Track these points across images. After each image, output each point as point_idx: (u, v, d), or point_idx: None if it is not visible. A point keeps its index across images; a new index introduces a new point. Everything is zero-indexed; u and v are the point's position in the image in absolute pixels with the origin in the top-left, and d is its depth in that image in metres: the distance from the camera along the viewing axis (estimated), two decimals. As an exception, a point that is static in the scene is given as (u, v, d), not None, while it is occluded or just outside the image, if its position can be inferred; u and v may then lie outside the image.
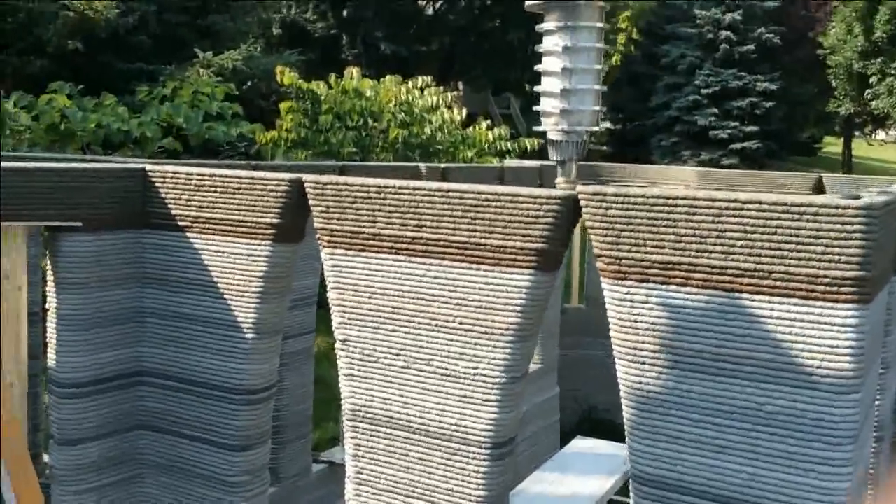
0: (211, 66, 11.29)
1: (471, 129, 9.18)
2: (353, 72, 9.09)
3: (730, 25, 27.77)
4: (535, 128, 2.36)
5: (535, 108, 2.36)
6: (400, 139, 8.29)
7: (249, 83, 12.74)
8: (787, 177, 6.18)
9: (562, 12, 2.31)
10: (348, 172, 4.17)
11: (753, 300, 1.88)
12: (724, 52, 27.39)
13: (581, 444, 5.19)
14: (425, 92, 9.13)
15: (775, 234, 1.84)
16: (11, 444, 2.10)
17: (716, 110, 26.91)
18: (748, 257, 1.87)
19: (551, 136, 2.34)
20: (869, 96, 23.12)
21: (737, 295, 1.89)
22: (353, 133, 8.61)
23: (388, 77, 9.28)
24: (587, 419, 6.49)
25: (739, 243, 1.88)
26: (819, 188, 6.04)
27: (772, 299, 1.86)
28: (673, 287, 1.95)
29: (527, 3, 2.35)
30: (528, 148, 9.16)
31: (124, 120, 7.46)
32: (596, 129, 2.33)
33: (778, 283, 1.85)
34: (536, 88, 2.37)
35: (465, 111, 9.38)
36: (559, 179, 2.36)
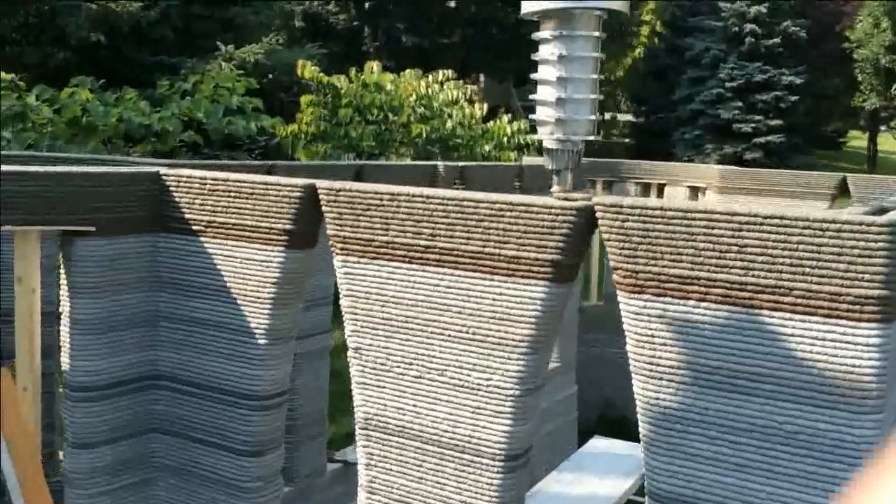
0: (232, 60, 11.32)
1: (491, 122, 9.12)
2: (374, 65, 9.06)
3: (755, 18, 27.52)
4: (531, 136, 2.31)
5: (532, 116, 2.33)
6: (424, 134, 8.26)
7: (270, 76, 12.76)
8: (811, 176, 6.08)
9: (557, 21, 2.27)
10: (365, 172, 4.15)
11: (774, 317, 1.83)
12: (749, 46, 27.16)
13: (599, 444, 5.16)
14: (445, 86, 9.09)
15: (797, 250, 1.80)
16: (25, 452, 2.10)
17: (740, 104, 26.71)
18: (769, 273, 1.83)
19: (547, 145, 2.31)
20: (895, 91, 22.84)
21: (756, 311, 1.85)
22: (372, 127, 8.59)
23: (408, 71, 9.24)
24: (605, 417, 6.46)
25: (760, 259, 1.83)
26: (843, 188, 5.95)
27: (793, 317, 1.82)
28: (691, 302, 1.91)
29: (522, 10, 2.30)
30: (548, 143, 9.05)
31: (145, 114, 7.49)
32: (592, 138, 2.29)
33: (799, 301, 1.80)
34: (532, 97, 2.33)
35: (486, 105, 9.32)
36: (555, 189, 2.33)
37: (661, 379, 1.96)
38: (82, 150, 6.81)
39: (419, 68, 9.31)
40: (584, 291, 6.41)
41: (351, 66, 9.03)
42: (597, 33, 2.35)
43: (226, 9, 12.90)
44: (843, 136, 34.00)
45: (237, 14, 13.02)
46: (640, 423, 2.03)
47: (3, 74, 7.47)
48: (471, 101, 9.21)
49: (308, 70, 8.55)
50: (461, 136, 8.85)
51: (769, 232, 1.83)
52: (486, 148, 8.82)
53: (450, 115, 8.74)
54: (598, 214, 2.04)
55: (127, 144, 7.64)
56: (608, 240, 2.02)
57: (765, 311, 1.85)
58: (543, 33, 2.36)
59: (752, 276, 1.85)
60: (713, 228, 1.88)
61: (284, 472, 3.87)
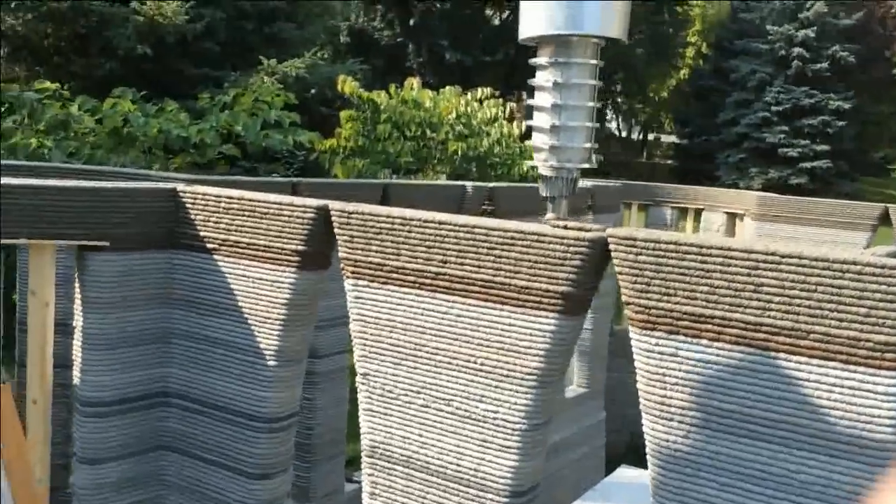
0: (275, 74, 11.42)
1: (528, 141, 9.03)
2: (413, 82, 9.07)
3: (803, 42, 27.18)
4: (528, 163, 2.28)
5: (527, 142, 2.28)
6: (460, 152, 8.24)
7: (312, 91, 12.86)
8: (851, 206, 5.92)
9: (554, 47, 2.23)
10: (392, 191, 4.12)
11: (790, 361, 1.75)
12: (796, 69, 26.80)
13: (626, 474, 5.04)
14: (485, 104, 9.06)
15: (815, 291, 1.71)
16: (21, 474, 2.09)
17: (786, 128, 26.33)
18: (785, 315, 1.75)
19: (541, 171, 2.26)
20: (947, 118, 22.35)
21: (772, 354, 1.77)
22: (410, 143, 8.59)
23: (447, 88, 9.24)
24: (633, 444, 6.34)
25: (776, 299, 1.75)
26: (885, 219, 5.79)
27: (810, 361, 1.73)
28: (704, 341, 1.83)
29: (519, 36, 2.26)
30: (588, 163, 8.97)
31: (184, 126, 7.57)
32: (587, 166, 2.24)
33: (817, 345, 1.72)
34: (527, 123, 2.29)
35: (525, 123, 9.25)
36: (549, 216, 2.28)
37: (671, 419, 1.89)
38: (122, 161, 6.90)
39: (462, 85, 9.30)
40: (616, 315, 6.31)
41: (393, 81, 9.04)
42: (594, 61, 2.30)
43: (271, 24, 13.04)
44: (892, 163, 33.31)
45: (282, 29, 13.15)
46: (649, 465, 1.95)
47: (48, 84, 7.62)
48: (510, 119, 9.18)
49: (349, 85, 8.59)
50: (499, 155, 8.81)
51: (787, 272, 1.75)
52: (525, 167, 8.77)
53: (488, 134, 8.70)
54: (611, 246, 1.97)
55: (166, 155, 7.73)
56: (620, 273, 1.95)
57: (781, 355, 1.77)
58: (540, 59, 2.32)
59: (769, 317, 1.77)
60: (729, 265, 1.80)
61: (302, 492, 3.85)
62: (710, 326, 1.83)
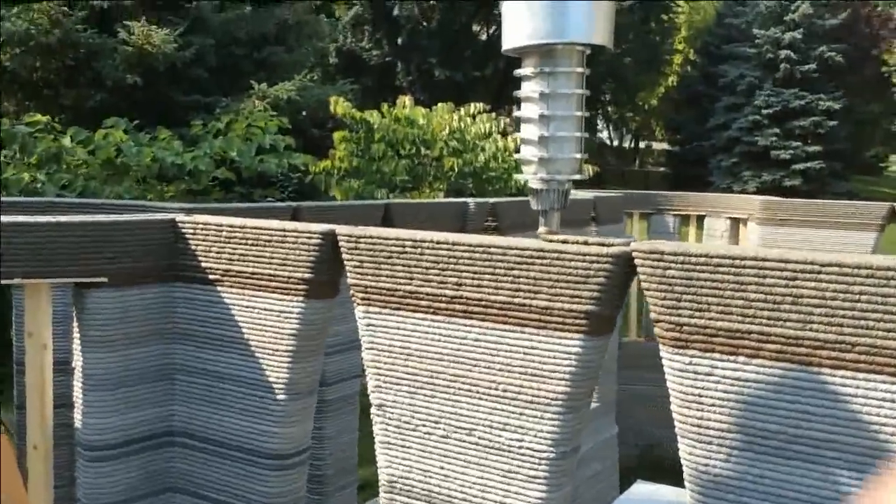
0: (266, 98, 11.36)
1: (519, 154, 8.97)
2: (405, 100, 9.02)
3: (790, 44, 27.29)
4: (517, 176, 2.22)
5: (516, 155, 2.21)
6: (456, 168, 8.17)
7: (304, 113, 12.81)
8: (857, 206, 5.84)
9: (539, 57, 2.16)
10: (394, 211, 4.03)
11: (835, 376, 1.65)
12: (784, 72, 26.89)
13: (643, 489, 4.93)
14: (478, 119, 9.01)
15: (859, 301, 1.62)
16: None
17: (777, 130, 26.39)
18: (828, 327, 1.65)
19: (532, 184, 2.21)
20: (939, 114, 22.40)
21: (816, 369, 1.67)
22: (405, 162, 8.53)
23: (439, 104, 9.19)
24: (647, 457, 6.24)
25: (818, 311, 1.66)
26: (891, 217, 5.72)
27: (856, 375, 1.63)
28: (742, 358, 1.73)
29: (503, 47, 2.18)
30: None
31: (178, 154, 7.49)
32: (578, 177, 2.17)
33: (863, 357, 1.62)
34: (515, 135, 2.20)
35: (519, 138, 9.18)
36: (541, 230, 2.21)
37: (710, 443, 1.78)
38: (116, 191, 6.82)
39: (452, 101, 9.25)
40: (623, 326, 6.22)
41: (384, 100, 9.00)
42: (580, 69, 2.23)
43: (261, 48, 12.99)
44: (884, 161, 33.37)
45: (271, 53, 13.10)
46: (688, 492, 1.84)
47: (38, 116, 7.54)
48: (504, 134, 9.11)
49: (341, 106, 8.53)
50: (495, 169, 8.74)
51: (828, 281, 1.65)
52: (522, 181, 8.68)
53: (482, 149, 8.64)
54: (636, 262, 1.87)
55: (161, 184, 7.64)
56: (648, 289, 1.85)
57: (825, 369, 1.67)
58: (525, 70, 2.24)
59: (810, 329, 1.67)
60: (765, 277, 1.70)
61: (313, 525, 3.73)
62: (747, 342, 1.73)
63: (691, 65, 33.31)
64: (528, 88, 2.25)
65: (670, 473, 5.45)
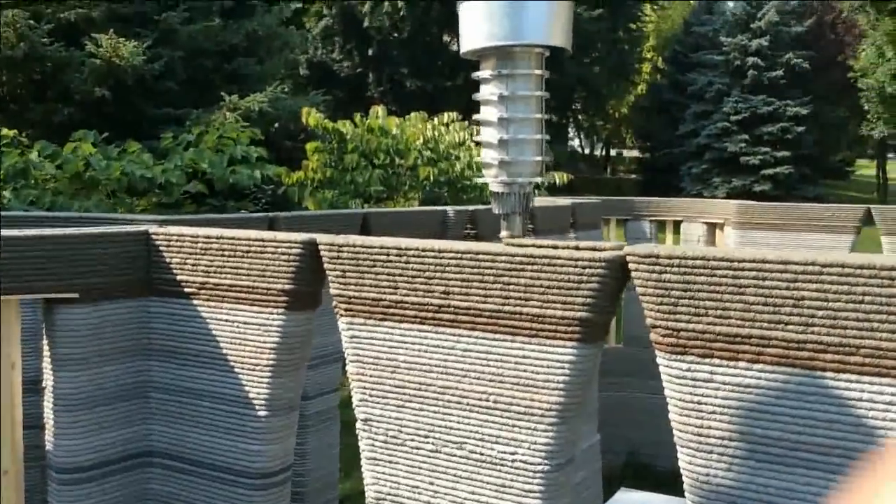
0: (237, 110, 11.25)
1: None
2: (378, 110, 8.97)
3: (757, 51, 27.66)
4: (477, 179, 2.22)
5: (476, 159, 2.18)
6: (431, 177, 8.12)
7: (276, 125, 12.72)
8: (832, 209, 5.85)
9: (497, 59, 2.14)
10: (372, 220, 3.96)
11: (839, 380, 1.60)
12: (752, 79, 27.23)
13: (627, 497, 4.89)
14: (451, 127, 8.97)
15: (862, 302, 1.57)
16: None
17: (746, 136, 26.71)
18: (831, 329, 1.60)
19: (493, 188, 2.19)
20: (904, 119, 22.74)
21: (819, 374, 1.62)
22: (379, 171, 8.46)
23: (413, 114, 9.15)
24: (630, 464, 6.20)
25: (820, 313, 1.61)
26: (867, 220, 5.74)
27: (861, 378, 1.59)
28: (742, 364, 1.68)
29: (461, 49, 2.17)
30: (558, 182, 8.95)
31: (148, 167, 7.37)
32: (539, 179, 2.15)
33: (867, 361, 1.57)
34: (476, 138, 2.19)
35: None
36: (503, 234, 2.20)
37: (711, 452, 1.73)
38: (85, 206, 6.68)
39: (425, 112, 9.21)
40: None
41: (356, 112, 8.94)
42: (539, 71, 2.21)
43: (230, 60, 12.87)
44: (851, 166, 33.82)
45: (242, 65, 12.99)
46: (688, 502, 1.78)
47: (5, 131, 7.38)
48: (477, 143, 9.06)
49: (313, 117, 8.46)
50: (470, 178, 8.70)
51: (830, 282, 1.60)
52: (496, 190, 8.65)
53: (457, 157, 8.59)
54: (630, 266, 1.82)
55: (131, 198, 7.51)
56: (643, 294, 1.80)
57: (828, 374, 1.62)
58: (483, 73, 2.22)
59: (813, 333, 1.62)
60: (765, 279, 1.65)
61: (294, 543, 3.63)
62: (747, 347, 1.68)
63: (660, 73, 33.64)
64: (487, 91, 2.23)
65: (653, 480, 5.42)
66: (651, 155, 31.09)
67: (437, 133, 8.70)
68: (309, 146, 8.64)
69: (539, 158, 2.23)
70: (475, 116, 2.29)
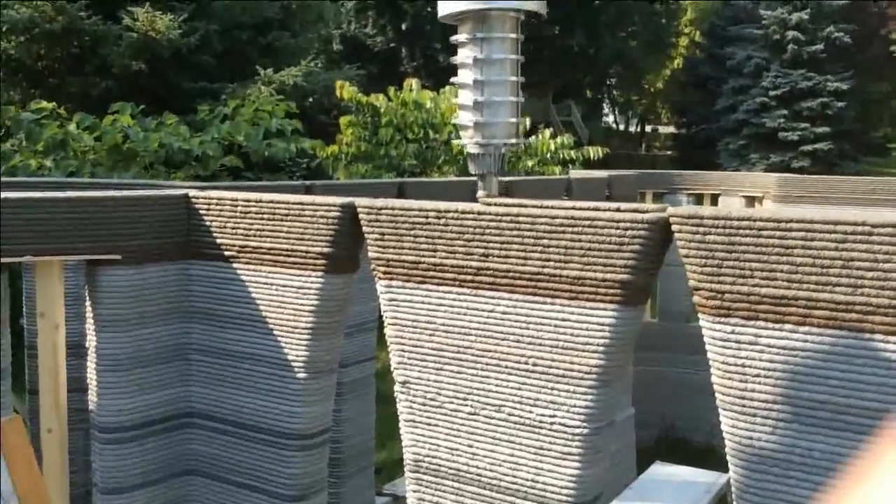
0: (272, 83, 11.27)
1: (532, 137, 8.94)
2: (412, 83, 8.92)
3: (797, 25, 27.07)
4: (457, 141, 2.26)
5: (454, 120, 2.22)
6: (465, 151, 8.06)
7: (311, 99, 12.73)
8: (876, 182, 5.74)
9: (474, 23, 2.17)
10: (407, 189, 3.95)
11: (888, 342, 1.57)
12: (791, 53, 26.68)
13: (661, 471, 4.88)
14: (486, 102, 8.87)
15: (914, 262, 1.53)
16: (35, 502, 1.93)
17: (785, 112, 26.22)
18: (881, 291, 1.57)
19: (469, 149, 2.23)
20: (950, 93, 22.20)
21: (867, 336, 1.59)
22: (413, 146, 8.44)
23: (447, 87, 9.10)
24: (664, 439, 6.18)
25: (869, 274, 1.57)
26: (915, 193, 5.61)
27: (911, 341, 1.55)
28: (788, 326, 1.65)
29: (439, 13, 2.20)
30: (593, 157, 8.88)
31: (186, 139, 7.43)
32: (514, 141, 2.21)
33: (919, 322, 1.54)
34: (453, 101, 2.23)
35: (527, 120, 9.13)
36: (480, 193, 2.23)
37: (754, 416, 1.71)
38: (124, 178, 6.75)
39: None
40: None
41: (389, 86, 8.91)
42: (514, 35, 2.24)
43: (265, 34, 12.89)
44: (893, 142, 33.11)
45: (276, 38, 13.00)
46: (730, 466, 1.77)
47: (44, 104, 7.47)
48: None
49: (347, 90, 8.45)
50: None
51: (880, 243, 1.57)
52: (529, 163, 8.61)
53: (491, 131, 8.53)
54: (673, 227, 1.79)
55: (168, 170, 7.58)
56: (687, 256, 1.77)
57: (877, 336, 1.58)
58: (460, 36, 2.26)
59: (861, 294, 1.59)
60: (812, 240, 1.62)
61: (330, 509, 3.67)
62: (794, 309, 1.65)
63: (698, 47, 33.08)
64: (463, 55, 2.27)
65: (688, 457, 5.39)
66: (687, 131, 30.66)
67: (472, 106, 8.65)
68: (343, 120, 8.65)
69: (514, 120, 2.26)
70: (452, 79, 2.33)
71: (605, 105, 35.11)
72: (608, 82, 30.48)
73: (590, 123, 31.35)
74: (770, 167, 24.80)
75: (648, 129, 39.58)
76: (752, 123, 26.28)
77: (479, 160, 2.25)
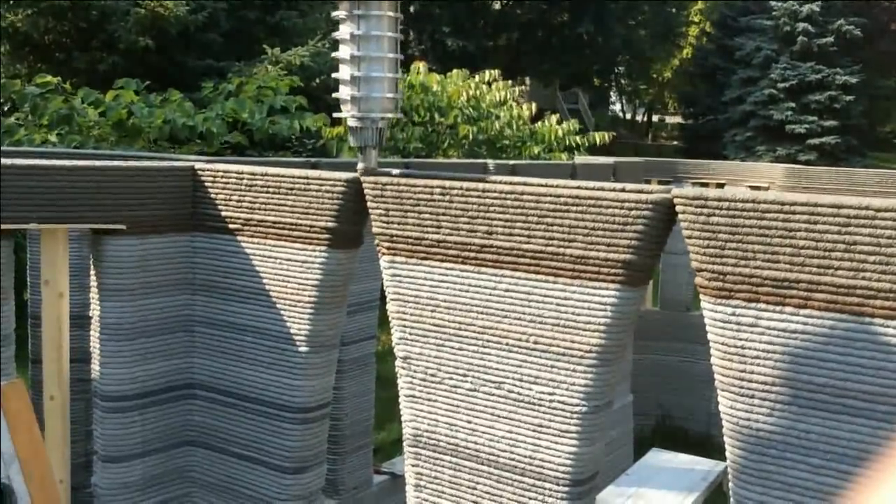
0: (279, 63, 11.24)
1: (539, 123, 8.91)
2: (420, 66, 8.88)
3: (808, 17, 26.93)
4: (336, 114, 2.32)
5: (335, 94, 2.27)
6: (470, 136, 8.06)
7: (318, 80, 12.70)
8: (884, 175, 5.73)
9: (352, 0, 2.23)
10: (413, 169, 3.95)
11: (888, 326, 1.58)
12: (801, 45, 26.55)
13: (658, 457, 4.91)
14: (493, 86, 8.87)
15: (917, 248, 1.54)
16: (38, 473, 1.94)
17: (793, 104, 26.12)
18: (882, 275, 1.57)
19: (349, 122, 2.31)
20: (959, 89, 22.10)
21: (868, 320, 1.59)
22: (419, 129, 8.41)
23: (454, 71, 9.05)
24: (661, 427, 6.21)
25: (871, 258, 1.58)
26: (917, 187, 5.60)
27: (911, 326, 1.56)
28: (789, 309, 1.66)
29: None
30: (599, 142, 8.87)
31: (189, 115, 7.41)
32: (391, 115, 2.29)
33: (920, 307, 1.55)
34: (334, 75, 2.29)
35: (534, 106, 9.11)
36: (359, 167, 2.29)
37: (752, 397, 1.72)
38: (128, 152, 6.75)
39: (465, 70, 9.12)
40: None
41: (397, 69, 8.86)
42: (392, 13, 2.30)
43: (272, 13, 12.85)
44: (901, 138, 32.99)
45: (284, 17, 12.97)
46: (727, 447, 1.78)
47: (49, 78, 7.46)
48: (518, 102, 9.00)
49: (354, 70, 8.39)
50: (509, 137, 8.63)
51: (883, 227, 1.57)
52: (535, 150, 8.60)
53: (497, 116, 8.52)
54: (677, 208, 1.80)
55: (172, 146, 7.58)
56: (689, 237, 1.78)
57: (877, 320, 1.59)
58: (340, 12, 2.30)
59: (863, 278, 1.59)
60: (816, 223, 1.63)
61: (330, 486, 3.69)
62: (795, 292, 1.66)
63: (707, 37, 32.93)
64: (343, 30, 2.31)
65: (686, 445, 5.41)
66: (694, 121, 30.57)
67: (479, 92, 8.63)
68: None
69: (392, 95, 2.33)
70: (334, 54, 2.37)
71: (612, 94, 34.99)
72: (616, 71, 30.36)
73: (597, 112, 31.26)
74: (776, 160, 24.72)
75: (655, 118, 39.47)
76: (760, 115, 26.18)
77: (358, 133, 2.32)
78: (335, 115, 2.41)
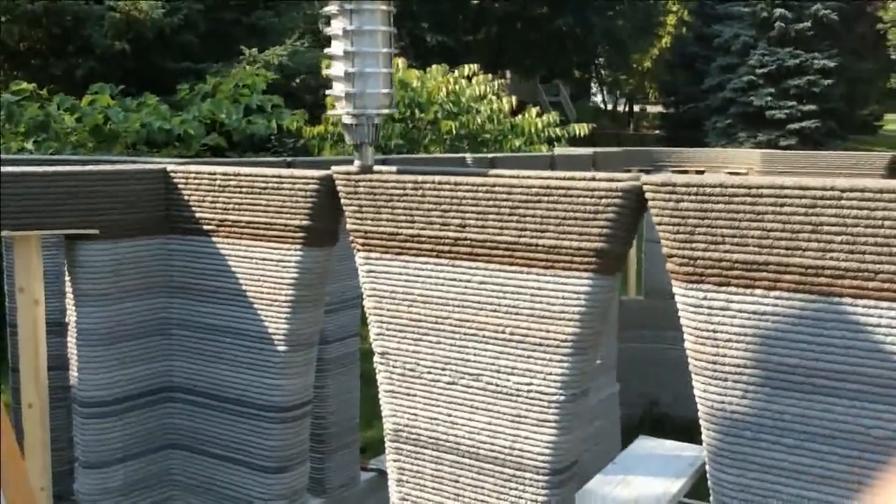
0: (257, 63, 11.18)
1: (519, 116, 8.92)
2: (399, 62, 8.86)
3: (784, 2, 27.02)
4: (331, 112, 2.28)
5: (328, 92, 2.25)
6: (453, 131, 8.06)
7: (298, 80, 12.65)
8: (858, 156, 5.77)
9: None
10: (390, 165, 3.95)
11: (857, 305, 1.59)
12: (779, 31, 26.68)
13: (646, 444, 4.94)
14: (473, 80, 8.88)
15: (882, 227, 1.55)
16: (13, 479, 1.93)
17: (772, 90, 26.25)
18: (849, 255, 1.59)
19: (344, 119, 2.28)
20: (936, 70, 22.27)
21: (836, 300, 1.61)
22: (399, 125, 8.40)
23: (434, 67, 9.04)
24: (648, 415, 6.24)
25: (838, 239, 1.59)
26: (893, 168, 5.65)
27: (879, 304, 1.57)
28: (759, 291, 1.67)
29: None
30: (579, 133, 8.88)
31: (166, 118, 7.37)
32: (386, 111, 2.26)
33: (886, 286, 1.56)
34: (326, 72, 2.26)
35: (514, 99, 9.11)
36: (356, 164, 2.26)
37: (726, 380, 1.73)
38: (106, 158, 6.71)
39: (444, 65, 9.12)
40: (622, 285, 6.17)
41: (375, 65, 8.85)
42: (384, 7, 2.27)
43: (249, 13, 12.79)
44: (880, 120, 33.22)
45: (260, 18, 12.90)
46: (703, 431, 1.79)
47: (24, 85, 7.40)
48: (498, 96, 9.01)
49: (332, 68, 8.37)
50: (490, 132, 8.63)
51: (849, 207, 1.58)
52: (516, 143, 8.61)
53: (478, 111, 8.53)
54: (647, 195, 1.81)
55: (150, 150, 7.54)
56: (660, 223, 1.79)
57: (846, 299, 1.61)
58: (332, 7, 2.28)
59: (831, 259, 1.61)
60: (783, 206, 1.64)
61: (317, 485, 3.69)
62: (764, 274, 1.67)
63: (685, 25, 33.02)
64: (335, 26, 2.28)
65: (672, 433, 5.44)
66: (675, 110, 30.67)
67: (458, 87, 8.63)
68: (329, 99, 8.58)
69: (386, 91, 2.30)
70: (326, 50, 2.34)
71: (593, 85, 35.06)
72: (596, 62, 30.42)
73: (578, 103, 31.31)
74: (757, 146, 24.83)
75: (637, 108, 39.57)
76: (740, 102, 26.29)
77: (354, 130, 2.28)
78: (329, 112, 2.38)
